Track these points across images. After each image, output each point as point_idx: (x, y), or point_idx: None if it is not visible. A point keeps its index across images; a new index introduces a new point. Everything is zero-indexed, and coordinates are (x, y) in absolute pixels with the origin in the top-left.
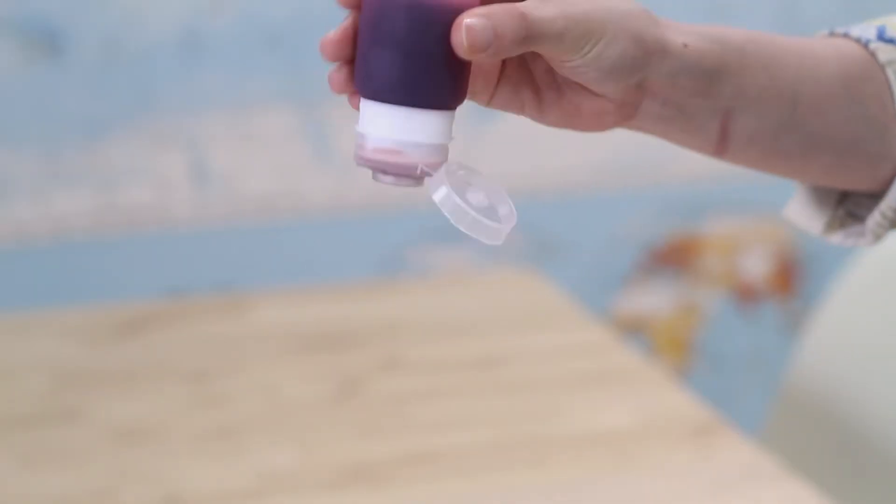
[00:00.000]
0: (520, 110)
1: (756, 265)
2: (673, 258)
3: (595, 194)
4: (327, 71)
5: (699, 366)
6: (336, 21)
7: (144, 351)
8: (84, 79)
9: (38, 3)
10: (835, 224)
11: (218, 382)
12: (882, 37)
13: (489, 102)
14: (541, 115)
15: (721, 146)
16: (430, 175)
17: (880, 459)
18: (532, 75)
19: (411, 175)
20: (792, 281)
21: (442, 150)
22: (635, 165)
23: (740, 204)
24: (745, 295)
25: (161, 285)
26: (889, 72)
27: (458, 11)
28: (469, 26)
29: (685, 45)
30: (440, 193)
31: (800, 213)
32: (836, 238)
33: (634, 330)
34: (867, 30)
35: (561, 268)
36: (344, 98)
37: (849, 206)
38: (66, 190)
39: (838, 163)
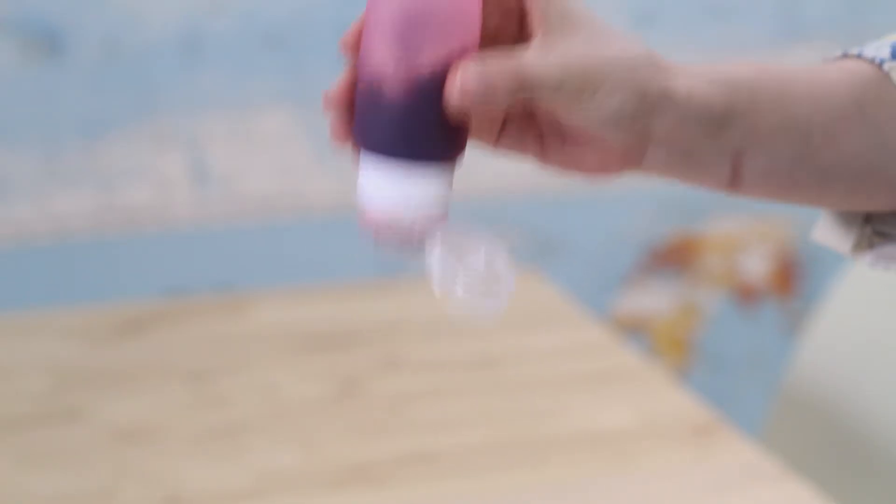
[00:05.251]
0: (524, 154)
1: (756, 265)
2: (673, 258)
3: (595, 194)
4: (329, 121)
5: (699, 366)
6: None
7: (144, 351)
8: (84, 79)
9: (38, 3)
10: (863, 243)
11: (218, 382)
12: None
13: (494, 146)
14: (544, 159)
15: (733, 184)
16: (427, 239)
17: (880, 459)
18: (536, 122)
19: (411, 241)
20: (792, 281)
21: (440, 214)
22: None
23: (740, 204)
24: (745, 295)
25: (161, 285)
26: None
27: (453, 64)
28: (462, 83)
29: (690, 93)
30: (433, 274)
31: (827, 234)
32: (867, 259)
33: (634, 330)
34: (881, 49)
35: (561, 268)
36: None
37: (876, 225)
38: (66, 190)
39: (856, 190)
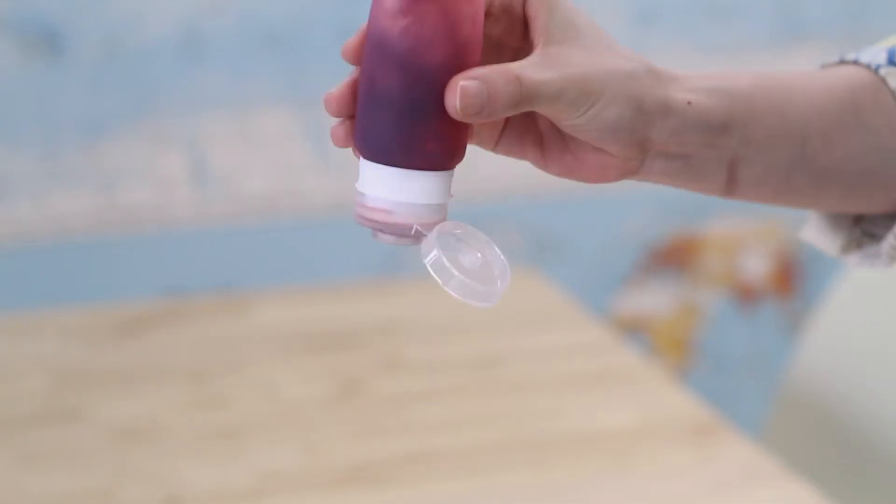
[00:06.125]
0: (523, 157)
1: (756, 265)
2: (673, 258)
3: (595, 194)
4: (330, 126)
5: (699, 366)
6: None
7: (144, 351)
8: (84, 79)
9: (38, 3)
10: (851, 245)
11: (218, 382)
12: (892, 60)
13: (494, 149)
14: (544, 164)
15: (729, 190)
16: (425, 235)
17: (880, 459)
18: (537, 126)
19: (407, 235)
20: (792, 281)
21: (438, 210)
22: None
23: (740, 204)
24: (745, 295)
25: (161, 285)
26: None
27: (453, 73)
28: (463, 89)
29: (689, 104)
30: (430, 257)
31: (816, 235)
32: (853, 260)
33: (634, 330)
34: (877, 55)
35: (561, 268)
36: None
37: (865, 227)
38: (66, 190)
39: (852, 192)
